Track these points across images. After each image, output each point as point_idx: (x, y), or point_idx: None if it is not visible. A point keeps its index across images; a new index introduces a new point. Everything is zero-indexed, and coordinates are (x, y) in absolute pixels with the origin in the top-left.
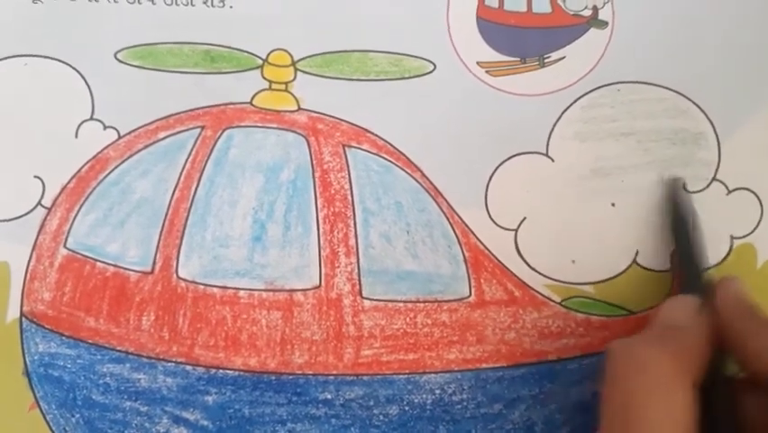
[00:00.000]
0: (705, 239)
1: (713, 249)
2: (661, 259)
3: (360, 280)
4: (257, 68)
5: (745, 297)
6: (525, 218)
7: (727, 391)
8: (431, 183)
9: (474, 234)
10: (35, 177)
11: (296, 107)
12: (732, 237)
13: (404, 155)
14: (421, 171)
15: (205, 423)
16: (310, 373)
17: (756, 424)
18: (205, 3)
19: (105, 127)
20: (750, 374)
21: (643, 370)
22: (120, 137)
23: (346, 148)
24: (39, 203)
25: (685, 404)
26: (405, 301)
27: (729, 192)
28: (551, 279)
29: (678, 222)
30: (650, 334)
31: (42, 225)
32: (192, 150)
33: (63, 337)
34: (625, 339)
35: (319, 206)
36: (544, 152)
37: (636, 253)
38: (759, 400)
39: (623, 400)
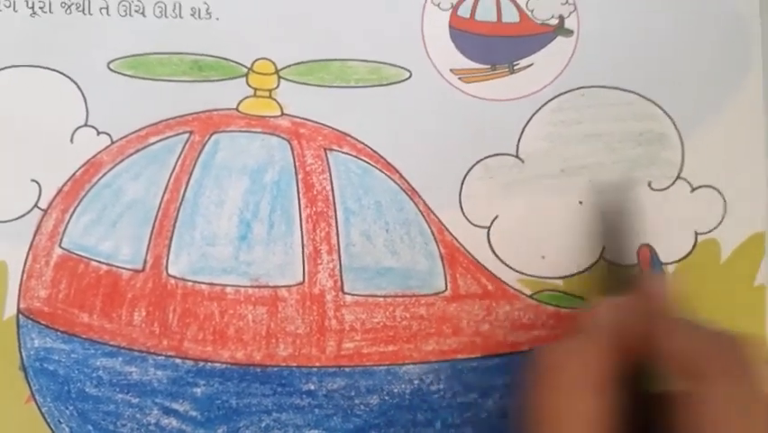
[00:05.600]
0: (630, 238)
1: (678, 245)
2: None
3: (341, 277)
4: (242, 76)
5: (663, 296)
6: (497, 216)
7: (656, 394)
8: (408, 184)
9: (449, 232)
10: (32, 180)
11: (279, 113)
12: (696, 233)
13: (382, 158)
14: (399, 173)
15: (194, 414)
16: (294, 365)
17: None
18: (192, 15)
19: (99, 133)
20: (667, 374)
21: (558, 370)
22: (113, 142)
23: (328, 151)
24: (35, 205)
25: (598, 406)
26: (384, 296)
27: (693, 189)
28: (522, 273)
29: (607, 225)
30: (570, 340)
31: (39, 226)
32: (181, 154)
33: (58, 333)
34: (549, 346)
35: (302, 206)
36: (515, 153)
37: (603, 249)
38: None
39: (540, 406)
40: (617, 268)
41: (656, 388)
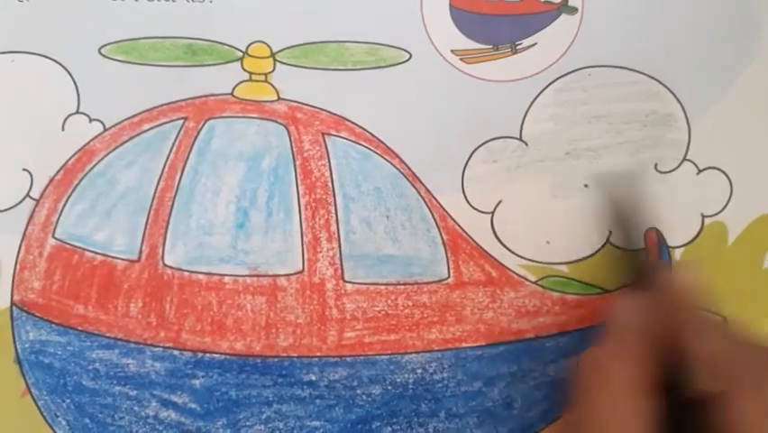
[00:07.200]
0: (639, 225)
1: (685, 228)
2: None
3: (342, 265)
4: (237, 60)
5: (688, 292)
6: (500, 201)
7: (683, 393)
8: (409, 169)
9: (452, 218)
10: (23, 169)
11: (275, 97)
12: (703, 216)
13: (382, 142)
14: (399, 157)
15: (193, 406)
16: (295, 355)
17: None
18: None
19: (91, 120)
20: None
21: (606, 384)
22: (105, 129)
23: (326, 136)
24: (27, 195)
25: (646, 415)
26: (386, 284)
27: (699, 172)
28: (526, 259)
29: (615, 212)
30: (611, 344)
31: (31, 217)
32: (175, 140)
33: (53, 325)
34: (592, 350)
35: (300, 193)
36: (518, 136)
37: (610, 233)
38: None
39: (588, 413)
40: (628, 254)
41: (684, 391)
